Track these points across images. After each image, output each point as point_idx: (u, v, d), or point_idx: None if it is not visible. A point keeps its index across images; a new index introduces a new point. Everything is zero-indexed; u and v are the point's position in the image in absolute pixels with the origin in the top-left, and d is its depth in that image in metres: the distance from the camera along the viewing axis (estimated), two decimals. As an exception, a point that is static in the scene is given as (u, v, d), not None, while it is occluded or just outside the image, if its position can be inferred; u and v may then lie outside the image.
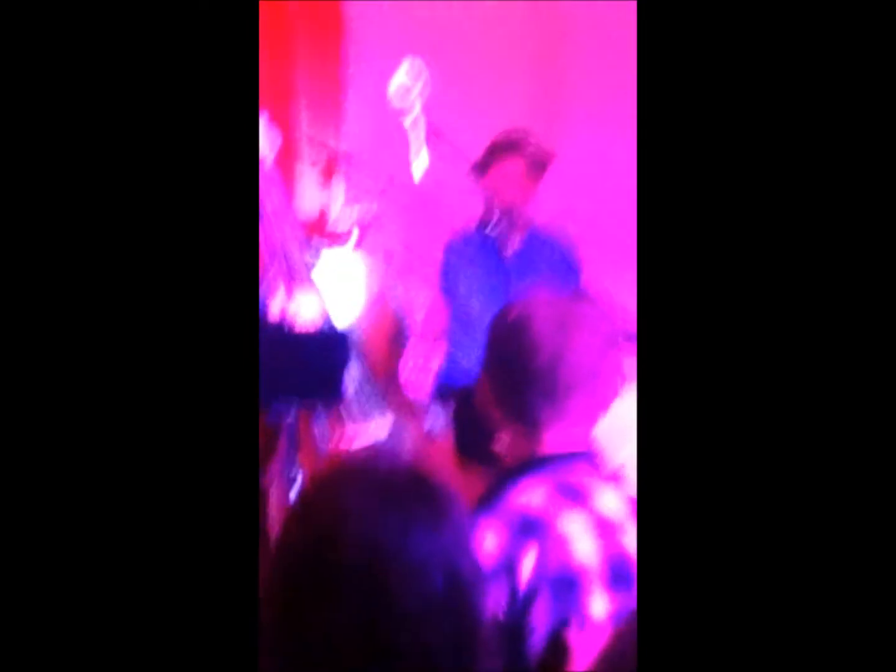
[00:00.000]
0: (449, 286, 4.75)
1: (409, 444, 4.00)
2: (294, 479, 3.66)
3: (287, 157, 4.85)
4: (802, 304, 1.68)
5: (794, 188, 1.70)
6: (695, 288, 1.72)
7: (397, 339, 4.19)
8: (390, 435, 3.95)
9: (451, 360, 4.73)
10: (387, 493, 1.69)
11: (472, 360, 4.66)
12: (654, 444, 1.71)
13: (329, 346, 3.71)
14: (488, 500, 2.18)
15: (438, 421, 4.10)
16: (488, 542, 2.09)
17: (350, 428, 3.93)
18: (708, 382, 1.70)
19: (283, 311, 3.85)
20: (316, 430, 3.85)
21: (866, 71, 1.71)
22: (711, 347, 1.70)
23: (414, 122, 3.88)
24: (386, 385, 4.05)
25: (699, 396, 1.70)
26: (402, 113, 3.90)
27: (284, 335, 3.79)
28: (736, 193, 1.72)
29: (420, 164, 3.88)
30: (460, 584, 1.68)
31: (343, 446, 3.90)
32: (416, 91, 3.88)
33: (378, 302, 4.16)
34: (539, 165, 4.74)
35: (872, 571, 1.61)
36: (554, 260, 4.48)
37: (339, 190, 4.47)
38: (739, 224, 1.71)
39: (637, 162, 1.78)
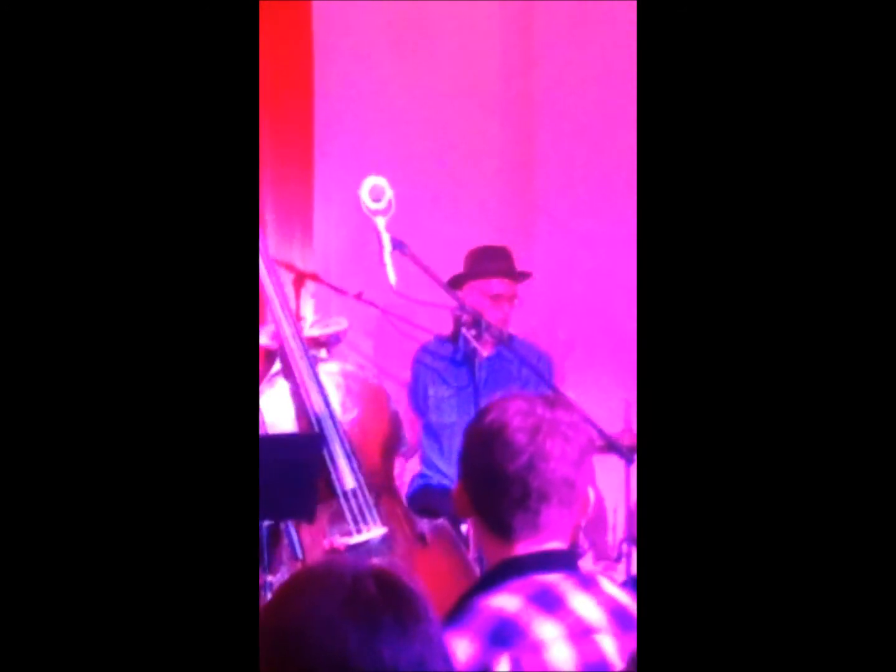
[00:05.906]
0: (418, 395, 4.83)
1: (399, 549, 3.93)
2: (265, 587, 3.59)
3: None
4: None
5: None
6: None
7: (392, 443, 4.16)
8: (382, 539, 3.89)
9: (427, 465, 4.73)
10: (353, 599, 1.63)
11: (446, 465, 4.68)
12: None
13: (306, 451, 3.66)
14: (461, 606, 2.11)
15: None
16: (461, 650, 2.01)
17: (339, 532, 3.87)
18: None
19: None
20: (292, 536, 3.78)
21: (863, 89, 1.71)
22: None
23: (380, 235, 3.88)
24: (379, 489, 4.00)
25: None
26: (371, 225, 3.91)
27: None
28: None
29: (389, 277, 3.88)
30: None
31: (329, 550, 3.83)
32: (381, 206, 3.89)
33: (372, 406, 4.13)
34: (514, 281, 4.80)
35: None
36: (527, 365, 4.47)
37: (308, 308, 4.47)
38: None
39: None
